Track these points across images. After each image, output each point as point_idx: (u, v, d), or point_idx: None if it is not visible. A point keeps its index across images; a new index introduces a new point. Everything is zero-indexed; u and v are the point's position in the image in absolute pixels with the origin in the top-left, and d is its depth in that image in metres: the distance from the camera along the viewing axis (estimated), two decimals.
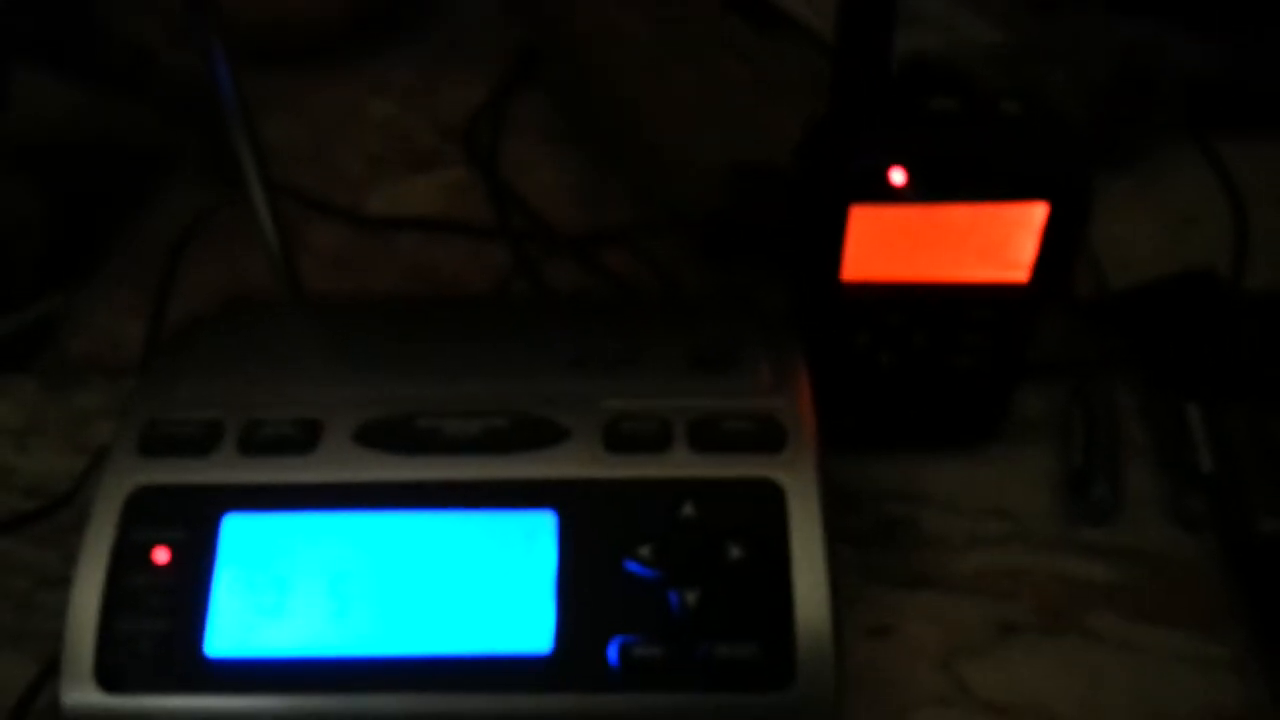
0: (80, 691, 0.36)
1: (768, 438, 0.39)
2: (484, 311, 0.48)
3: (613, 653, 0.36)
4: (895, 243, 0.41)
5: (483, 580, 0.37)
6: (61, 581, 0.37)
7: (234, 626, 0.36)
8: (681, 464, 0.39)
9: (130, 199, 0.62)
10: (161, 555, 0.37)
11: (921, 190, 0.39)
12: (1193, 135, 0.61)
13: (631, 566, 0.37)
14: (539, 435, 0.39)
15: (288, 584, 0.37)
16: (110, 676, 0.36)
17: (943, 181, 0.39)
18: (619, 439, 0.39)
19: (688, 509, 0.38)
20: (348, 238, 0.60)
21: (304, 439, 0.39)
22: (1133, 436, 0.49)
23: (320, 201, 0.61)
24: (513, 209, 0.61)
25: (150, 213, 0.62)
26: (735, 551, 0.37)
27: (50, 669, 0.40)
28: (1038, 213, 0.40)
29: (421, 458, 0.39)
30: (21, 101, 0.58)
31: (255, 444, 0.39)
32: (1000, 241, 0.41)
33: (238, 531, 0.38)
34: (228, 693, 0.36)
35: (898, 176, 0.39)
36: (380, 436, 0.39)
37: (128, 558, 0.37)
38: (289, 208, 0.48)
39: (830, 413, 0.40)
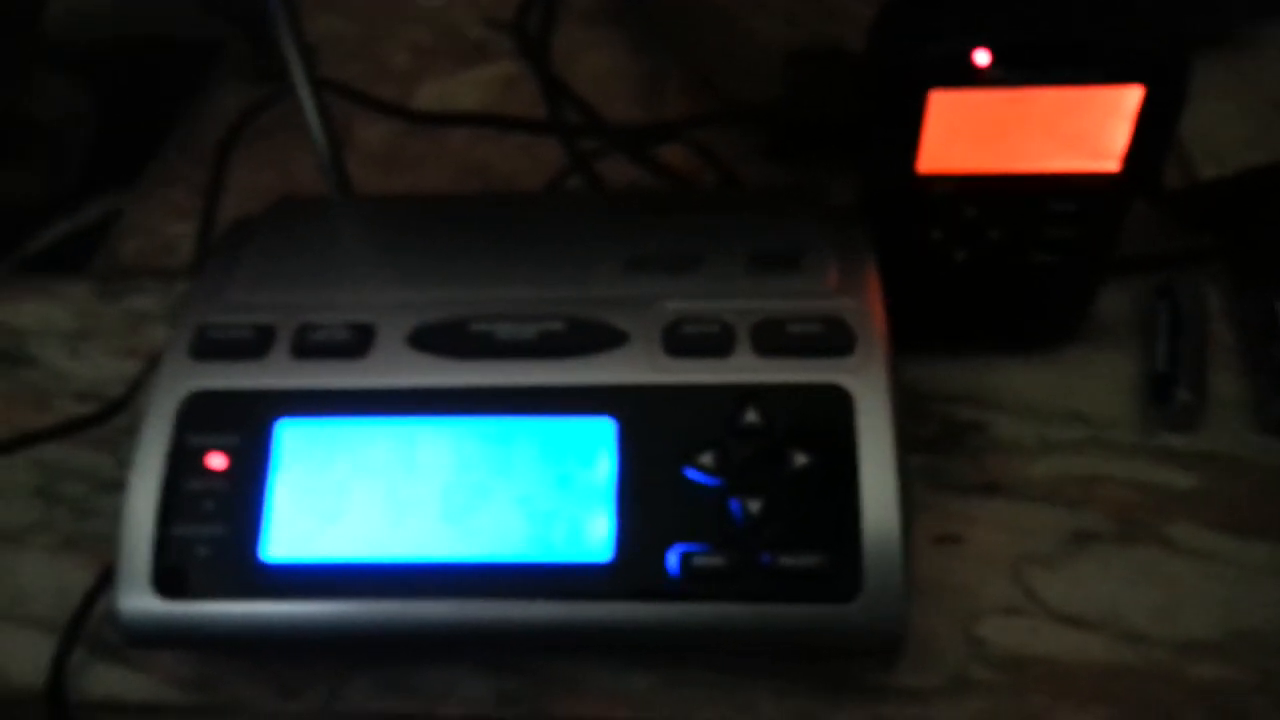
0: (138, 598, 0.36)
1: (835, 340, 0.37)
2: (537, 210, 0.46)
3: (673, 562, 0.35)
4: (976, 131, 0.39)
5: (541, 487, 0.36)
6: (118, 486, 0.37)
7: (291, 531, 0.36)
8: (744, 368, 0.37)
9: (176, 96, 0.61)
10: (216, 461, 0.37)
11: (1007, 73, 0.37)
12: None
13: (692, 474, 0.36)
14: (596, 339, 0.38)
15: (344, 489, 0.37)
16: (168, 583, 0.36)
17: (1031, 63, 0.37)
18: (679, 343, 0.38)
19: (751, 415, 0.36)
20: (396, 134, 0.59)
21: (357, 343, 0.38)
22: (1219, 336, 0.46)
23: (369, 97, 0.59)
24: (565, 103, 0.59)
25: (196, 111, 0.61)
26: (800, 459, 0.36)
27: (108, 575, 0.40)
28: (1132, 96, 0.37)
29: (477, 362, 0.38)
30: None
31: (308, 348, 0.38)
32: (1090, 128, 0.38)
33: (292, 437, 0.37)
34: (286, 598, 0.36)
35: (982, 58, 0.37)
36: (434, 340, 0.38)
37: (182, 464, 0.37)
38: (336, 103, 0.46)
39: (900, 313, 0.38)
